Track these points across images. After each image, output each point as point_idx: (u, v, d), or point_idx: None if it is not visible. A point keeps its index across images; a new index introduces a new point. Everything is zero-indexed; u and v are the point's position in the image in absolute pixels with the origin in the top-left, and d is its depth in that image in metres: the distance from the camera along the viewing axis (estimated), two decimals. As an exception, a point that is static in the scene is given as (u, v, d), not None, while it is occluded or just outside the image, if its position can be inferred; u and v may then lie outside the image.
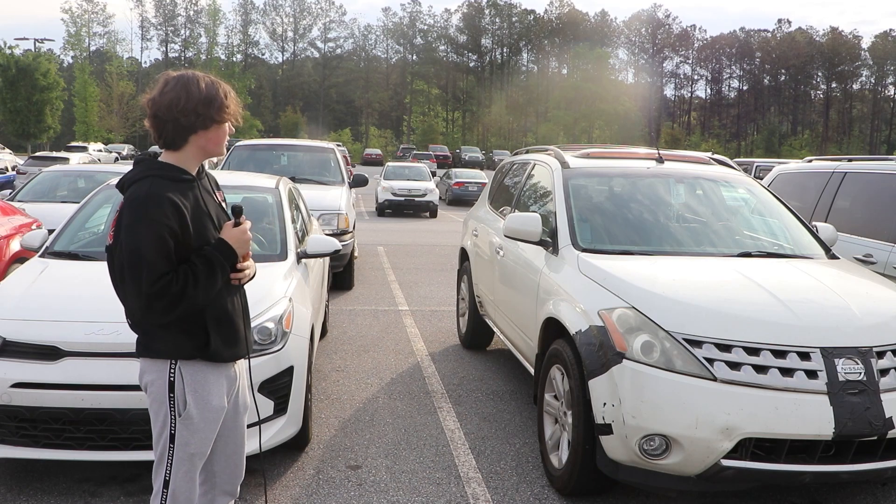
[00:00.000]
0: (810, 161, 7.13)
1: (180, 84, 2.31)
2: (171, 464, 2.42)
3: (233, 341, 2.46)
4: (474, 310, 6.28)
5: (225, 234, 2.39)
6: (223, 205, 2.53)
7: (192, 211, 2.31)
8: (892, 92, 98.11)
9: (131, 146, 56.98)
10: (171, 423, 2.39)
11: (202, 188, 2.43)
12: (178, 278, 2.23)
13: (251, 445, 3.46)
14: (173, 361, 2.37)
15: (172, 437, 2.40)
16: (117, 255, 2.26)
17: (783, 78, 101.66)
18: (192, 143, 2.36)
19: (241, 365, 2.63)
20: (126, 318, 2.39)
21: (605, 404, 3.32)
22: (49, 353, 3.47)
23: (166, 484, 2.44)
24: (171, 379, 2.37)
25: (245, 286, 2.58)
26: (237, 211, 2.43)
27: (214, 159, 2.76)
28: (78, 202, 5.76)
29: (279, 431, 3.79)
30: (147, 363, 2.41)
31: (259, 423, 3.61)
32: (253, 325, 3.51)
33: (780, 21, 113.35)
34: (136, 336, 2.42)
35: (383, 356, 6.31)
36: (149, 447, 3.48)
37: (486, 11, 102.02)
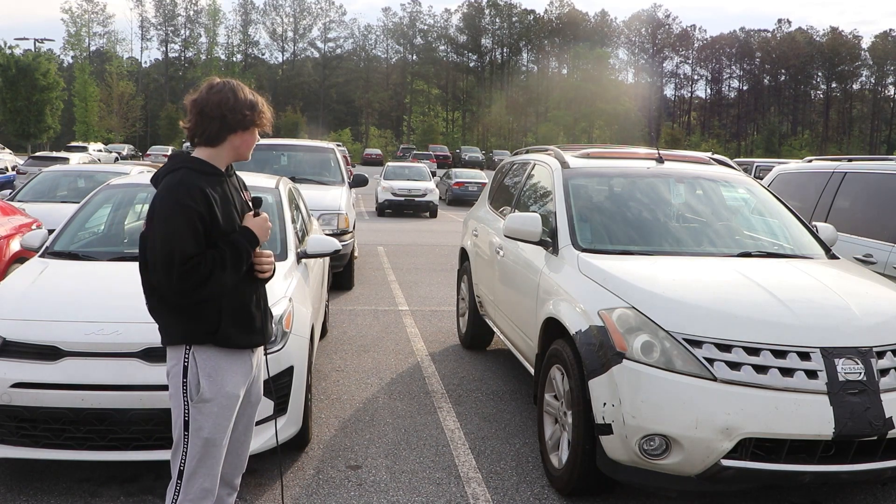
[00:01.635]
0: (810, 161, 7.13)
1: (228, 87, 2.51)
2: (185, 452, 2.51)
3: (248, 329, 2.58)
4: (474, 310, 6.28)
5: (247, 222, 2.56)
6: (249, 203, 2.68)
7: (221, 202, 2.49)
8: (892, 92, 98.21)
9: (131, 146, 56.94)
10: (185, 408, 2.50)
11: (231, 185, 2.60)
12: (207, 260, 2.39)
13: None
14: (188, 347, 2.50)
15: (186, 424, 2.50)
16: (150, 241, 2.42)
17: (783, 78, 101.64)
18: (228, 142, 2.54)
19: (259, 360, 2.74)
20: (146, 303, 2.53)
21: (605, 404, 3.32)
22: (49, 353, 3.47)
23: (181, 474, 2.53)
24: (186, 364, 2.50)
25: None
26: (257, 202, 2.64)
27: None
28: (78, 202, 5.76)
29: (279, 431, 3.79)
30: (169, 351, 2.54)
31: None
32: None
33: (780, 21, 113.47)
34: (158, 325, 2.56)
35: (383, 356, 6.31)
36: (149, 447, 3.49)
37: (486, 11, 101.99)
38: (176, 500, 2.54)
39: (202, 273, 2.37)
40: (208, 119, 2.49)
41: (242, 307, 2.56)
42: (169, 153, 47.16)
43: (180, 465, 2.52)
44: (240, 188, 2.68)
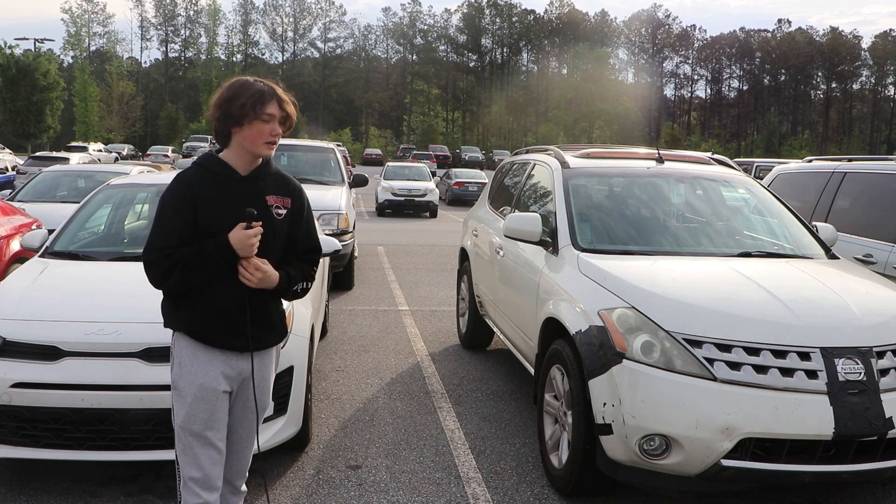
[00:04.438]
0: (810, 161, 7.12)
1: (237, 82, 2.51)
2: (176, 451, 2.58)
3: (225, 331, 2.54)
4: (474, 310, 6.28)
5: (232, 233, 2.46)
6: (272, 210, 2.57)
7: (213, 202, 2.48)
8: (892, 92, 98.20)
9: (131, 146, 56.91)
10: (173, 398, 2.58)
11: (250, 187, 2.55)
12: (173, 257, 2.43)
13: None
14: (173, 333, 2.60)
15: (172, 411, 2.59)
16: None
17: (783, 78, 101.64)
18: (234, 140, 2.52)
19: (264, 365, 2.69)
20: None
21: (605, 404, 3.32)
22: (49, 353, 3.47)
23: (178, 475, 2.59)
24: (171, 347, 2.60)
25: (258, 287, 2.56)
26: (250, 216, 2.48)
27: (171, 156, 2.91)
28: (78, 202, 5.76)
29: (279, 431, 3.79)
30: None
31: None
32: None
33: (780, 21, 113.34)
34: None
35: (383, 356, 6.31)
36: (149, 447, 3.49)
37: (486, 11, 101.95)
38: (179, 484, 2.60)
39: (164, 266, 2.43)
40: (214, 119, 2.51)
41: (218, 310, 2.51)
42: (169, 153, 47.18)
43: (175, 464, 2.60)
44: (263, 192, 2.56)
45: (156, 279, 2.48)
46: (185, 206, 2.46)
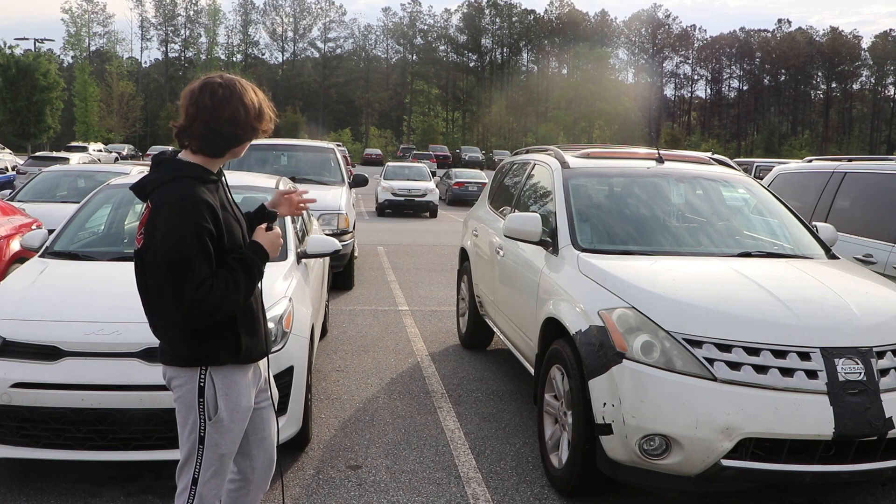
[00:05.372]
0: (810, 161, 7.13)
1: (236, 97, 2.28)
2: (199, 464, 2.40)
3: (259, 341, 2.46)
4: (474, 310, 6.28)
5: (259, 237, 2.41)
6: (238, 206, 2.51)
7: (221, 212, 2.30)
8: (892, 92, 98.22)
9: (131, 146, 56.89)
10: (201, 426, 2.37)
11: (224, 187, 2.42)
12: (219, 282, 2.21)
13: None
14: (203, 368, 2.34)
15: (202, 440, 2.38)
16: (150, 260, 2.21)
17: (783, 78, 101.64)
18: (230, 153, 2.36)
19: (263, 360, 2.62)
20: (150, 323, 2.37)
21: (605, 404, 3.32)
22: (49, 353, 3.47)
23: (194, 482, 2.41)
24: (202, 385, 2.34)
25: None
26: (272, 216, 2.47)
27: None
28: (78, 202, 5.76)
29: (279, 431, 3.79)
30: (171, 370, 2.37)
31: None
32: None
33: (780, 21, 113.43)
34: (160, 343, 2.39)
35: (383, 356, 6.31)
36: (149, 447, 3.49)
37: (486, 11, 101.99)
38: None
39: (216, 296, 2.19)
40: (215, 134, 2.27)
41: (254, 319, 2.44)
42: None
43: (194, 474, 2.41)
44: (227, 187, 2.47)
45: (208, 314, 2.20)
46: (212, 225, 2.23)
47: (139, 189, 2.30)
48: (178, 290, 2.16)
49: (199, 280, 2.17)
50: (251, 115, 2.31)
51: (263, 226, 2.45)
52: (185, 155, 2.32)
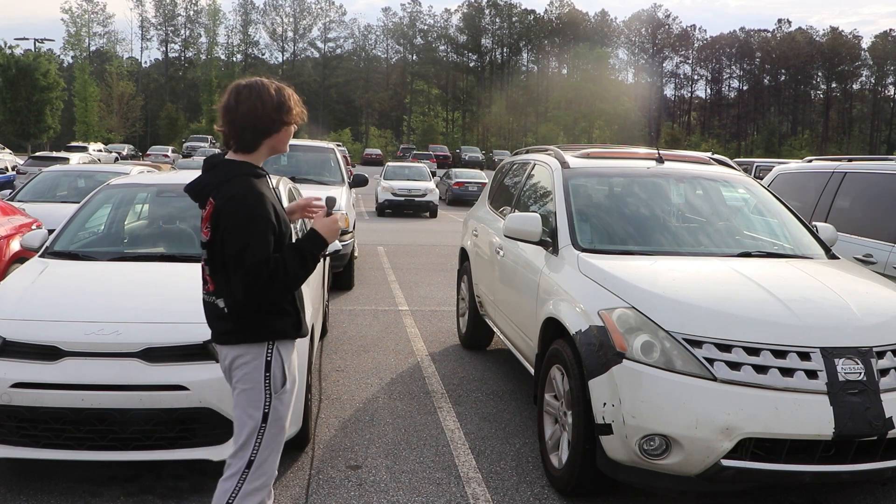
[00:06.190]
0: (810, 161, 7.12)
1: (255, 93, 2.50)
2: (259, 443, 2.54)
3: (303, 311, 2.70)
4: (474, 310, 6.28)
5: (317, 223, 2.59)
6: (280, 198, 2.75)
7: (274, 204, 2.54)
8: (892, 92, 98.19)
9: (131, 146, 56.84)
10: (266, 402, 2.53)
11: (269, 182, 2.64)
12: (280, 266, 2.43)
13: None
14: (271, 342, 2.54)
15: (266, 416, 2.54)
16: (219, 250, 2.45)
17: (783, 78, 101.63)
18: (265, 145, 2.56)
19: None
20: (226, 306, 2.52)
21: (605, 404, 3.32)
22: (49, 353, 3.47)
23: (250, 464, 2.54)
24: (269, 359, 2.54)
25: None
26: (330, 202, 2.72)
27: (171, 156, 2.91)
28: (78, 202, 5.76)
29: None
30: (239, 349, 2.53)
31: None
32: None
33: (780, 21, 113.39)
34: (224, 325, 2.54)
35: (383, 356, 6.31)
36: (149, 447, 3.49)
37: (486, 11, 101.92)
38: (239, 489, 2.53)
39: (278, 280, 2.41)
40: (241, 129, 2.50)
41: (300, 293, 2.68)
42: (169, 153, 47.07)
43: (251, 456, 2.54)
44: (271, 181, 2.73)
45: (257, 291, 2.40)
46: (273, 217, 2.48)
47: (197, 190, 2.55)
48: (248, 274, 2.38)
49: (264, 257, 2.40)
50: (269, 107, 2.50)
51: (323, 212, 2.66)
52: (231, 156, 2.57)
